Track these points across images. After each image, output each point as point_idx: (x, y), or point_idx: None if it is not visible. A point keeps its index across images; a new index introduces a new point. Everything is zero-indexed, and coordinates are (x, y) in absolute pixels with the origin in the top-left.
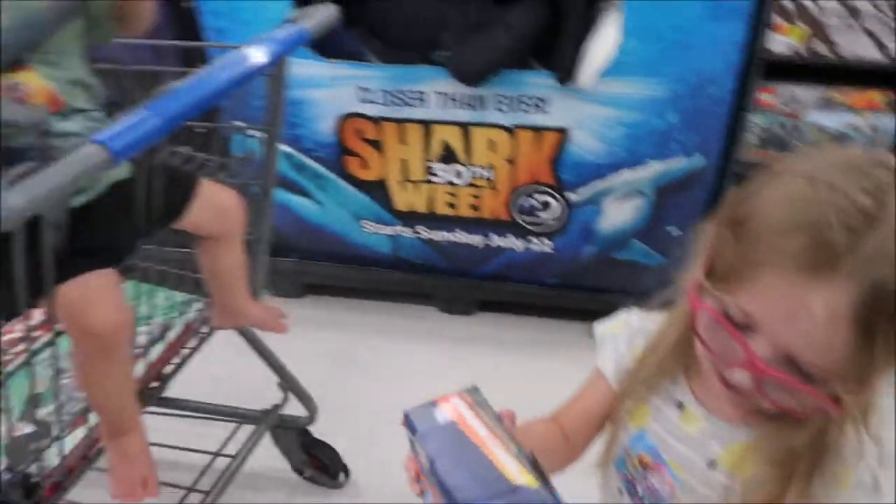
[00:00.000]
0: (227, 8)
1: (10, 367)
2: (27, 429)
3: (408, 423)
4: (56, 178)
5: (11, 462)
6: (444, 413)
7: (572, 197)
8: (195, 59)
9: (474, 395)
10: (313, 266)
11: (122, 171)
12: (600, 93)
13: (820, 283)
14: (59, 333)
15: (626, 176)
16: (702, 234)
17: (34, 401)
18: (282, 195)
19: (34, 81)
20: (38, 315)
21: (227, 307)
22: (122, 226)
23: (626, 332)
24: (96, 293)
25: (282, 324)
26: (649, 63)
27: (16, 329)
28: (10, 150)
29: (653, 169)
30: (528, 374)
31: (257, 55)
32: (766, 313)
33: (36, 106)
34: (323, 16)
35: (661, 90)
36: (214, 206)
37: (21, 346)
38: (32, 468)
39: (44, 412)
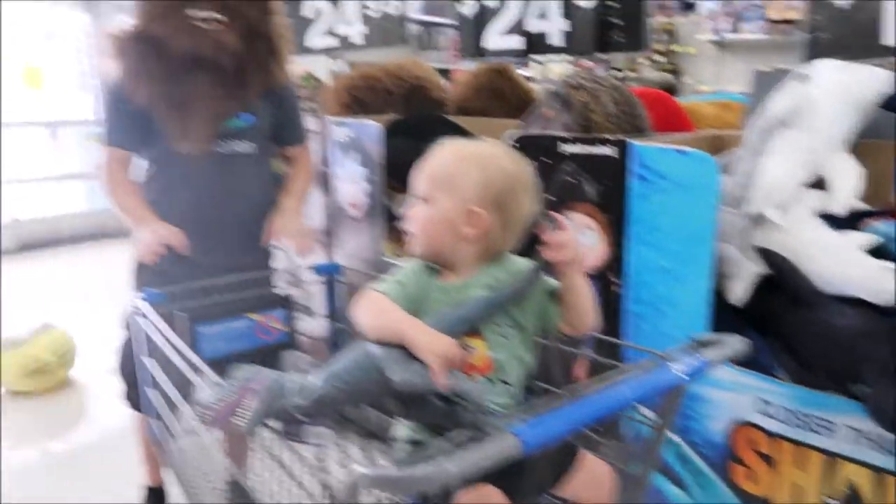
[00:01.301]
0: (649, 297)
1: None
2: None
3: None
4: (480, 456)
5: None
6: None
7: None
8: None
9: None
10: None
11: None
12: None
13: None
14: None
15: None
16: None
17: None
18: (659, 480)
19: (480, 348)
20: None
21: None
22: (517, 483)
23: None
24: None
25: None
26: None
27: None
28: (454, 413)
29: None
30: None
31: (666, 376)
32: None
33: (478, 385)
34: (732, 349)
35: None
36: (591, 478)
37: None
38: None
39: None
